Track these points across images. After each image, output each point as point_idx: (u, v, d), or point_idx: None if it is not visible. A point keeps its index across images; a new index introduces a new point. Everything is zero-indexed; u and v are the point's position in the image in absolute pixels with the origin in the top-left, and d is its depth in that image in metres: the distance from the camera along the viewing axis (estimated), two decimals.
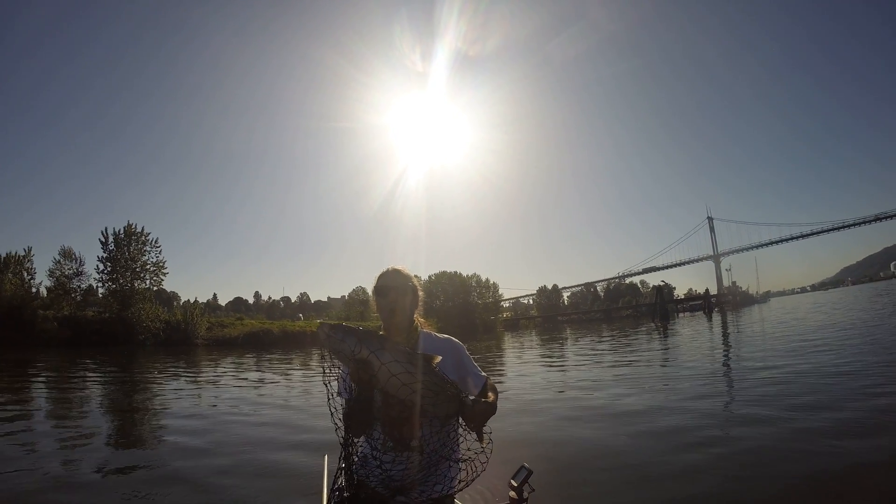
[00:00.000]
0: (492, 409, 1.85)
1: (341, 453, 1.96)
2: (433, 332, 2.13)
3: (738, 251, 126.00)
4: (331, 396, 1.92)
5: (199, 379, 16.07)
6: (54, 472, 5.24)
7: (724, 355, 14.53)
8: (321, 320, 2.01)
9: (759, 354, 12.95)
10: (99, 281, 43.31)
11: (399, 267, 2.12)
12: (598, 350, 20.18)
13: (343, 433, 1.94)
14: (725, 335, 22.66)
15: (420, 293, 2.16)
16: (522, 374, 13.95)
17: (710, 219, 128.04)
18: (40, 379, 16.52)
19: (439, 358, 1.80)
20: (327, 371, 1.94)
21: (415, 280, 2.14)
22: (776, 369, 9.89)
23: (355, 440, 2.00)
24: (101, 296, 44.49)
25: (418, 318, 2.13)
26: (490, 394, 1.96)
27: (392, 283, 2.05)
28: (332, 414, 1.91)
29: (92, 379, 16.44)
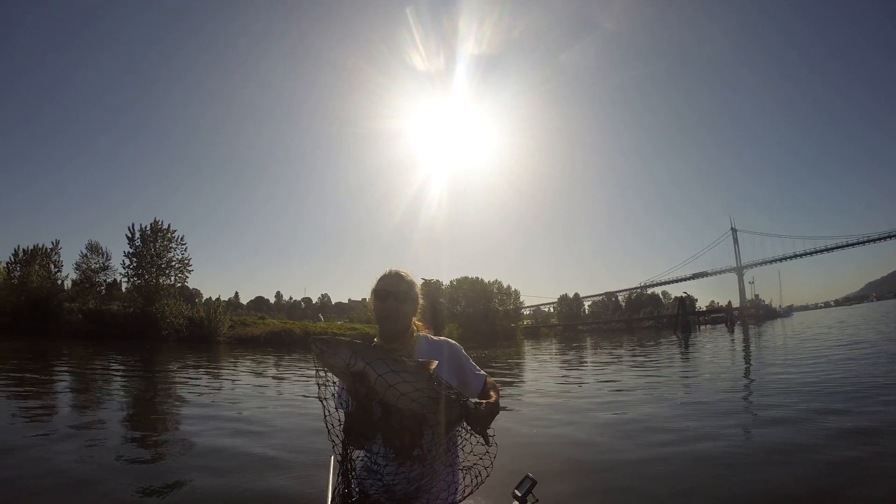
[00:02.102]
0: (496, 409, 1.80)
1: (340, 469, 1.92)
2: (429, 336, 2.07)
3: (761, 264, 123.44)
4: (328, 413, 1.84)
5: (220, 376, 16.08)
6: (70, 463, 5.22)
7: (745, 371, 13.88)
8: (313, 335, 1.77)
9: (782, 372, 12.14)
10: (124, 276, 43.85)
11: (402, 271, 2.05)
12: (616, 361, 19.82)
13: (341, 449, 1.89)
14: (747, 350, 21.93)
15: (420, 300, 2.08)
16: (537, 382, 13.86)
17: (733, 230, 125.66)
18: (63, 369, 16.63)
19: (436, 363, 1.72)
20: (322, 387, 1.83)
21: (417, 286, 2.07)
22: (798, 387, 9.34)
23: (357, 452, 1.95)
24: (125, 290, 44.85)
25: (416, 322, 2.07)
26: (492, 393, 1.91)
27: (391, 289, 1.97)
28: (328, 431, 1.84)
29: (114, 371, 16.52)
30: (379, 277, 2.03)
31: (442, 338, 2.09)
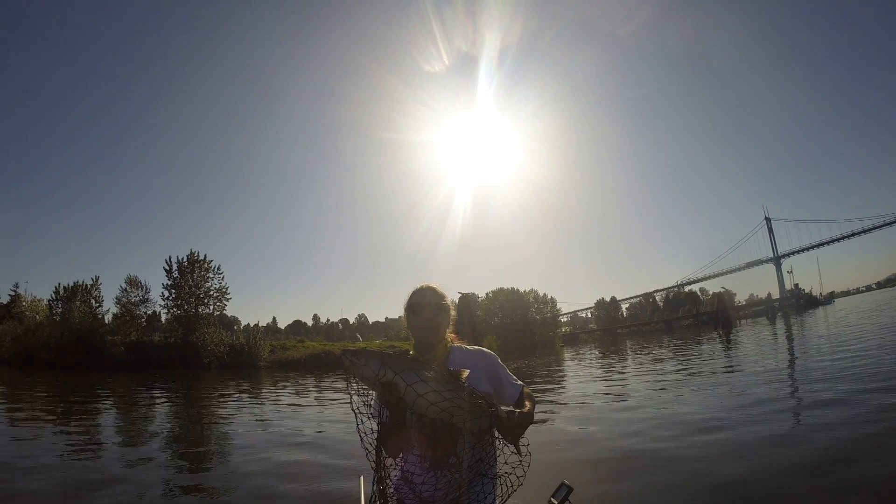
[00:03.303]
0: (529, 418, 1.80)
1: (374, 477, 1.91)
2: (464, 346, 2.07)
3: (798, 252, 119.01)
4: (360, 423, 1.86)
5: (262, 400, 16.42)
6: (120, 486, 5.50)
7: (790, 369, 12.85)
8: (344, 349, 1.84)
9: (830, 367, 11.07)
10: (164, 307, 44.46)
11: (433, 284, 2.08)
12: (655, 363, 19.42)
13: (374, 457, 1.90)
14: (791, 344, 20.84)
15: (452, 312, 2.11)
16: (576, 387, 13.78)
17: (767, 220, 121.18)
18: (109, 400, 17.09)
19: (467, 372, 1.75)
20: (354, 397, 1.86)
21: (448, 298, 2.10)
22: (847, 382, 8.65)
23: (391, 461, 1.93)
24: (164, 321, 45.42)
25: (449, 334, 2.08)
26: (526, 402, 1.89)
27: (426, 302, 2.01)
28: (361, 439, 1.86)
29: (158, 400, 16.91)
30: (411, 293, 2.06)
31: (477, 347, 2.08)
